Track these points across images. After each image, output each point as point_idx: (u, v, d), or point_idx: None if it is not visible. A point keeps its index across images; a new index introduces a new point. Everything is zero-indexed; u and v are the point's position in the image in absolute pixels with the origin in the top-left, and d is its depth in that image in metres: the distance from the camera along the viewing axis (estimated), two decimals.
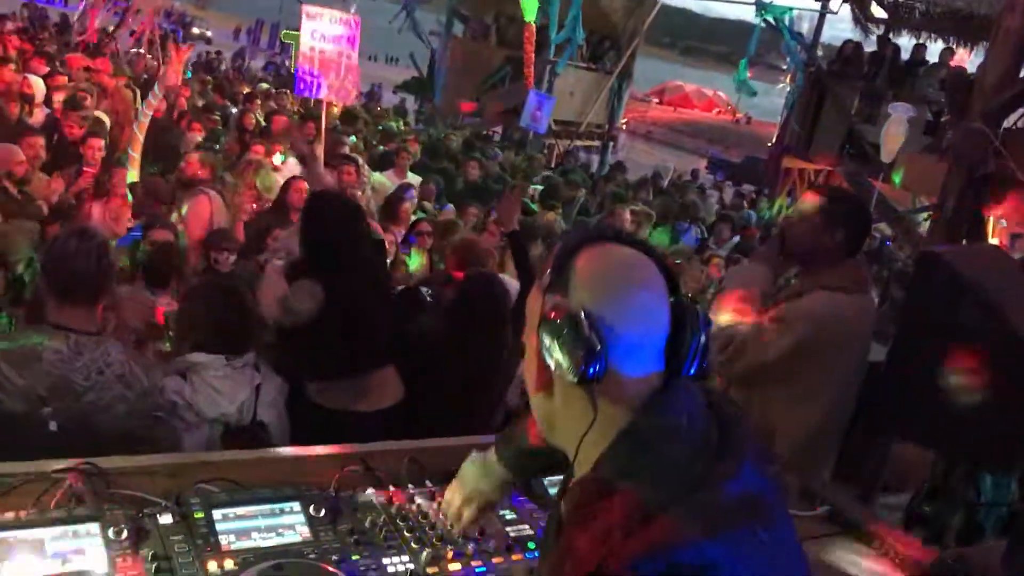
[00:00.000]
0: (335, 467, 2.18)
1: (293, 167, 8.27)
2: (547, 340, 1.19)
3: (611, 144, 20.64)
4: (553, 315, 1.18)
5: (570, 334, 1.16)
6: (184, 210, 6.12)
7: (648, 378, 1.21)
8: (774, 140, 18.73)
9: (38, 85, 9.28)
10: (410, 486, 2.20)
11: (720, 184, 23.67)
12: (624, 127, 26.03)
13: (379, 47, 31.27)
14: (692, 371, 1.24)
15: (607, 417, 1.18)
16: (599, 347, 1.15)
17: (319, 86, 6.64)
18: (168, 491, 1.98)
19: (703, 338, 1.24)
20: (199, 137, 9.60)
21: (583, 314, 1.16)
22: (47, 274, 2.75)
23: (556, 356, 1.18)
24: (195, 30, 38.15)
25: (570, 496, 1.23)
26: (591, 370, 1.15)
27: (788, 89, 22.56)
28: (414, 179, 9.11)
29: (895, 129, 11.60)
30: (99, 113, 9.15)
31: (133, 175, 6.61)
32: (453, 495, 1.94)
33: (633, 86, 22.78)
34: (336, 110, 11.21)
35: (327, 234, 3.37)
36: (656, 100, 53.09)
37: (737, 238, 9.84)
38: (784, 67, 32.90)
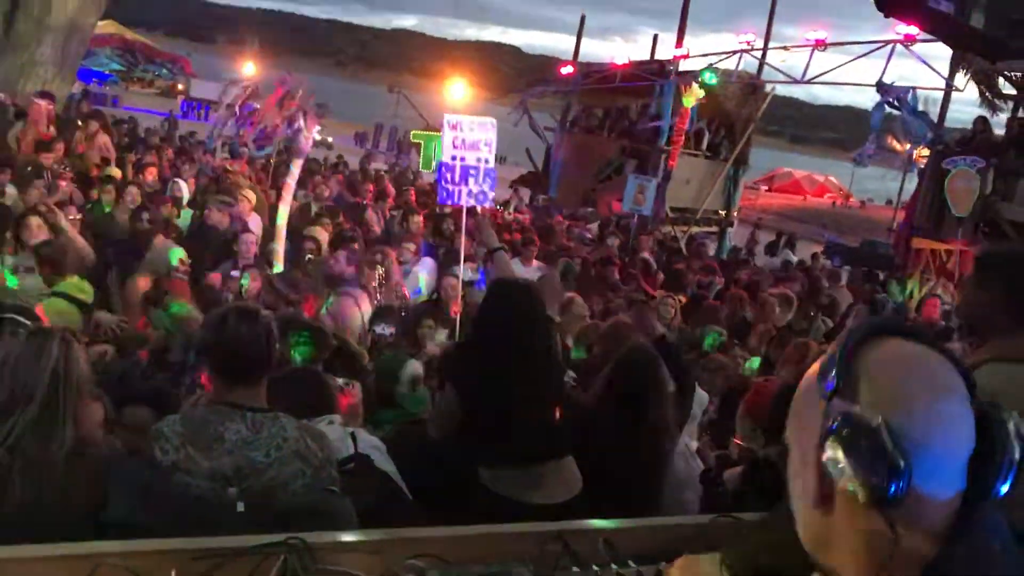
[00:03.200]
0: (534, 545, 2.12)
1: (429, 265, 8.51)
2: (836, 454, 1.04)
3: (729, 230, 20.48)
4: (844, 426, 1.05)
5: (867, 449, 1.02)
6: (330, 306, 6.32)
7: (951, 500, 1.06)
8: (901, 221, 18.22)
9: (185, 188, 9.86)
10: (613, 566, 2.11)
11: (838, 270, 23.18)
12: (736, 214, 25.92)
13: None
14: (1002, 491, 1.07)
15: (905, 544, 1.04)
16: (903, 465, 1.01)
17: (459, 194, 6.78)
18: (371, 567, 1.96)
19: (1017, 452, 1.07)
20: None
21: (884, 427, 1.02)
22: (215, 358, 2.79)
23: (847, 473, 1.04)
24: (316, 136, 40.35)
25: None
26: (891, 492, 1.01)
27: (905, 171, 21.96)
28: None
29: (963, 184, 11.67)
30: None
31: (279, 266, 6.86)
32: None
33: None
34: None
35: (502, 319, 3.35)
36: (765, 187, 52.62)
37: None
38: (900, 150, 32.28)
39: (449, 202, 7.17)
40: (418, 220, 9.67)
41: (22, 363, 2.68)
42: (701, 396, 4.79)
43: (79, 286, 6.11)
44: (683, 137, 16.83)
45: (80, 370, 2.79)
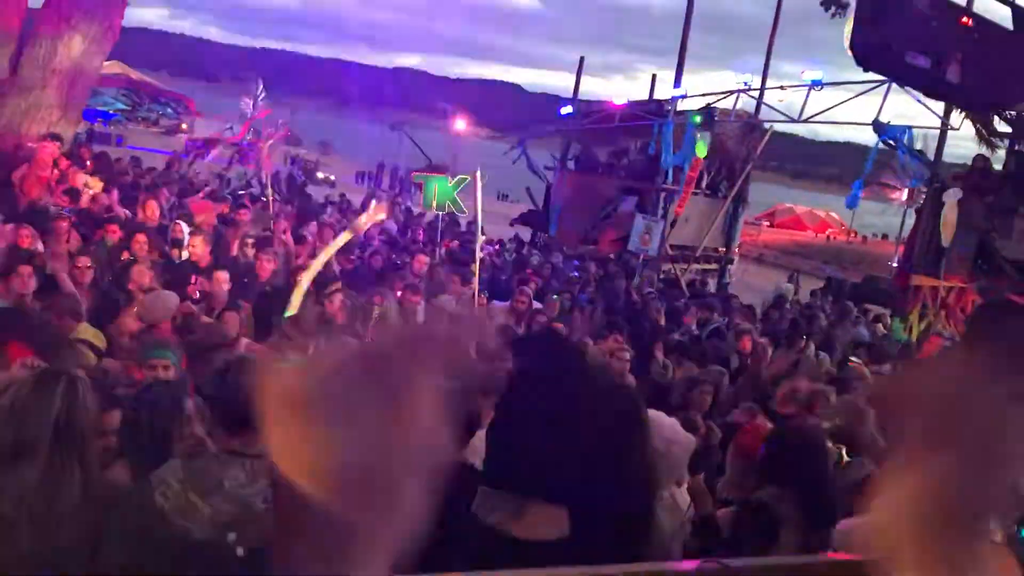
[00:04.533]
0: None
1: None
2: None
3: (728, 267, 20.56)
4: None
5: None
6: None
7: None
8: (900, 258, 18.27)
9: (187, 229, 9.93)
10: None
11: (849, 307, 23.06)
12: (737, 251, 25.99)
13: (493, 184, 32.35)
14: None
15: None
16: None
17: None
18: None
19: None
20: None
21: None
22: (217, 409, 2.87)
23: None
24: (319, 175, 40.68)
25: None
26: None
27: (905, 207, 22.01)
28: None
29: (949, 214, 12.00)
30: None
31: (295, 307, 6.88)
32: None
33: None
34: None
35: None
36: (767, 223, 52.74)
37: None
38: (898, 186, 32.47)
39: None
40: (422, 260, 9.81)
41: (27, 410, 2.69)
42: (688, 441, 4.74)
43: (95, 333, 6.14)
44: (693, 185, 16.98)
45: (87, 414, 2.80)
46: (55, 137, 11.83)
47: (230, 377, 2.82)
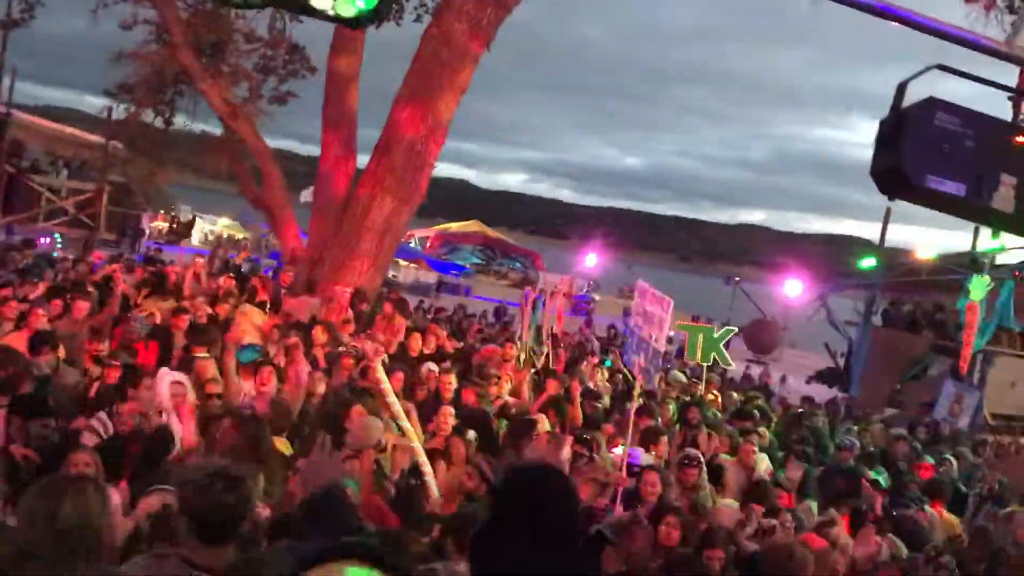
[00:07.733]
0: None
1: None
2: None
3: None
4: None
5: None
6: None
7: None
8: None
9: None
10: None
11: None
12: None
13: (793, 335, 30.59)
14: None
15: None
16: None
17: (636, 365, 6.66)
18: None
19: None
20: None
21: None
22: (192, 517, 2.86)
23: None
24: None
25: None
26: None
27: None
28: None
29: None
30: None
31: None
32: None
33: None
34: None
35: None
36: None
37: None
38: None
39: (629, 367, 7.28)
40: None
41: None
42: None
43: None
44: (972, 335, 14.97)
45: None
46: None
47: (220, 491, 2.90)
